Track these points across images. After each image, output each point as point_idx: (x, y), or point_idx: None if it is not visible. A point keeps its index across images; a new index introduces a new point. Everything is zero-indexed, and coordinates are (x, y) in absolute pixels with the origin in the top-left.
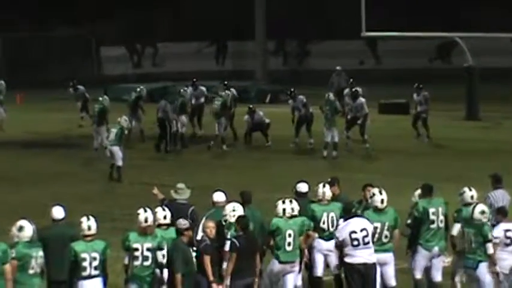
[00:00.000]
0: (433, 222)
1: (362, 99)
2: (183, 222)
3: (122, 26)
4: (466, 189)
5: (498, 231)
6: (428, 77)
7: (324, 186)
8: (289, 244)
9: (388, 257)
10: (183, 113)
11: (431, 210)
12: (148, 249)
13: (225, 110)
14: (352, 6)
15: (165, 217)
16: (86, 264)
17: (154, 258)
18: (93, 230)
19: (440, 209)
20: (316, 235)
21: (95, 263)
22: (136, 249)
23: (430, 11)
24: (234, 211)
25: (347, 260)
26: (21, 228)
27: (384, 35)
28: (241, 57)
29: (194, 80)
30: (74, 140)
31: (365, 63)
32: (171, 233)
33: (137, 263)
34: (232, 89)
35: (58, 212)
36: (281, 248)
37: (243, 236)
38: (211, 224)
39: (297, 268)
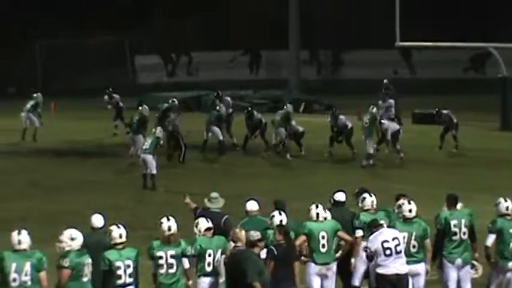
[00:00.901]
0: (455, 234)
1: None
2: (255, 234)
3: (156, 35)
4: (501, 199)
5: None
6: (462, 87)
7: (370, 196)
8: (323, 246)
9: (419, 267)
10: (219, 125)
11: (453, 222)
12: (172, 257)
13: (286, 121)
14: (386, 15)
15: (208, 228)
16: (120, 272)
17: (180, 266)
18: (124, 238)
19: (463, 221)
20: (349, 237)
21: (129, 271)
22: (161, 257)
23: (465, 21)
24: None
25: (379, 270)
26: (73, 238)
27: (418, 45)
28: (275, 67)
29: (218, 92)
30: (108, 148)
31: (399, 73)
32: (218, 240)
33: (162, 271)
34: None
35: (98, 220)
36: (315, 251)
37: (282, 244)
38: (243, 232)
39: (333, 270)
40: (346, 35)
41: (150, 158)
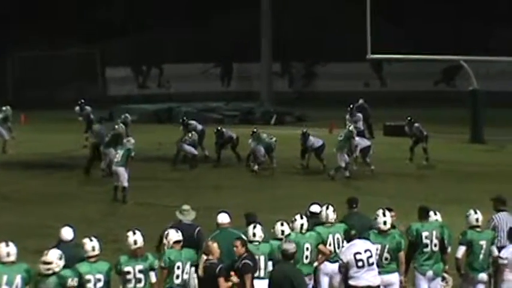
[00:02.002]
0: (426, 245)
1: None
2: (291, 246)
3: (127, 47)
4: (471, 211)
5: (507, 253)
6: (433, 100)
7: (327, 208)
8: (306, 257)
9: (393, 277)
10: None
11: (425, 233)
12: (140, 271)
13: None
14: (357, 28)
15: (178, 241)
16: (90, 285)
17: (148, 280)
18: (97, 251)
19: (434, 232)
20: (328, 251)
21: (100, 285)
22: (128, 272)
23: (436, 34)
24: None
25: (351, 282)
26: (61, 257)
27: (389, 57)
28: (246, 79)
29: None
30: (79, 160)
31: (370, 85)
32: (189, 253)
33: (130, 285)
34: None
35: (67, 233)
36: (299, 262)
37: (247, 256)
38: (215, 245)
39: (312, 282)
40: (317, 48)
41: (122, 171)
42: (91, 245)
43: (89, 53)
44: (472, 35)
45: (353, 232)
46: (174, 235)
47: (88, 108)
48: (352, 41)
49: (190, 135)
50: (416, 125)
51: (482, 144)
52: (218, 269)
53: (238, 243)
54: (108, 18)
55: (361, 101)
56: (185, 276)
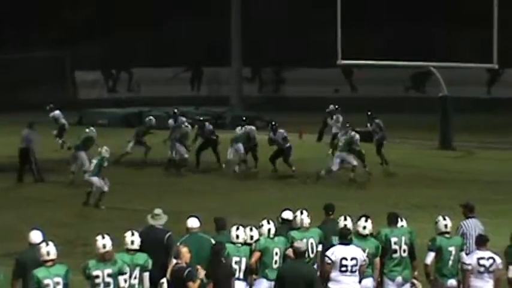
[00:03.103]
0: (395, 251)
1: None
2: (301, 245)
3: (97, 51)
4: (440, 218)
5: (470, 259)
6: (403, 106)
7: (301, 213)
8: (276, 262)
9: (368, 282)
10: (182, 143)
11: (394, 239)
12: (109, 275)
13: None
14: (328, 34)
15: (132, 242)
16: None
17: (116, 284)
18: (53, 255)
19: (403, 238)
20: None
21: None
22: (97, 277)
23: (406, 40)
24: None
25: (331, 285)
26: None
27: (360, 63)
28: (216, 83)
29: (175, 111)
30: (46, 164)
31: (340, 91)
32: (140, 258)
33: None
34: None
35: (36, 236)
36: (269, 267)
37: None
38: (185, 250)
39: None
40: (287, 53)
41: (95, 180)
42: (46, 249)
43: (58, 56)
44: (441, 41)
45: (349, 237)
46: (128, 240)
47: (57, 112)
48: (322, 46)
49: (185, 124)
50: (376, 120)
51: (452, 151)
52: (186, 272)
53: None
54: (78, 21)
55: (331, 107)
56: (133, 281)
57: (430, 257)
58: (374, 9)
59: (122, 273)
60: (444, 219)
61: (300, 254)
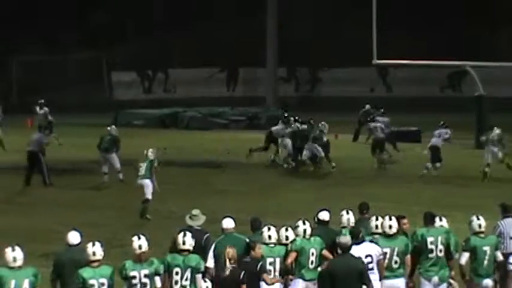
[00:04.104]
0: (431, 251)
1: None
2: (347, 240)
3: (133, 51)
4: (474, 218)
5: None
6: (439, 106)
7: (347, 213)
8: (312, 262)
9: (399, 282)
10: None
11: (430, 239)
12: (146, 276)
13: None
14: (363, 33)
15: (184, 243)
16: None
17: (153, 285)
18: (99, 256)
19: (440, 238)
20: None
21: None
22: (134, 277)
23: (442, 39)
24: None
25: None
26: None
27: (395, 63)
28: (252, 84)
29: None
30: (83, 165)
31: (376, 90)
32: (192, 259)
33: None
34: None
35: (74, 237)
36: (305, 267)
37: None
38: (232, 250)
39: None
40: (323, 53)
41: (148, 183)
42: (92, 249)
43: (95, 57)
44: (477, 40)
45: (361, 235)
46: (180, 241)
47: (46, 109)
48: (358, 46)
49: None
50: (386, 119)
51: None
52: (259, 266)
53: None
54: (114, 22)
55: (367, 107)
56: (184, 283)
57: (465, 257)
58: (409, 9)
59: (158, 273)
60: (478, 218)
61: (346, 248)
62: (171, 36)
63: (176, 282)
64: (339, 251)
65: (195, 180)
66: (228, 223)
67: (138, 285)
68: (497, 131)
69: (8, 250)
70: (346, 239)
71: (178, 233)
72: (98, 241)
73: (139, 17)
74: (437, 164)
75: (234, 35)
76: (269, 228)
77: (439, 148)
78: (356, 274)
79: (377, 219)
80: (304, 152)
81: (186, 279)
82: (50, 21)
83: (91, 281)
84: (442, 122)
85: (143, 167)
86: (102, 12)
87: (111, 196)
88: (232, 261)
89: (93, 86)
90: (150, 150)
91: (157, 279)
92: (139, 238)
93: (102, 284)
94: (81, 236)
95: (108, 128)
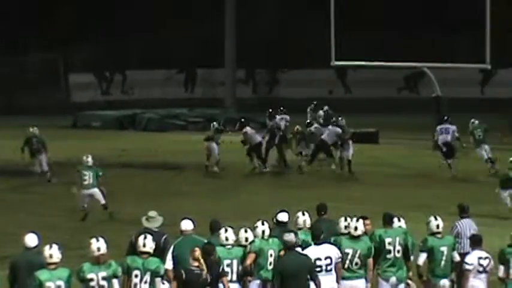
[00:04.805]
0: (389, 251)
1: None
2: (290, 237)
3: (91, 53)
4: (432, 218)
5: (472, 259)
6: (396, 107)
7: (303, 214)
8: (270, 263)
9: (360, 283)
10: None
11: (388, 240)
12: (103, 278)
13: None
14: (321, 35)
15: (144, 245)
16: None
17: (111, 287)
18: (56, 258)
19: (398, 239)
20: None
21: None
22: (92, 280)
23: (398, 40)
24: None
25: None
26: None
27: (353, 64)
28: (210, 85)
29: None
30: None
31: (334, 92)
32: (151, 263)
33: None
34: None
35: (31, 240)
36: (264, 268)
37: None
38: (198, 251)
39: None
40: (281, 54)
41: (96, 191)
42: (49, 252)
43: (51, 58)
44: (434, 42)
45: (322, 236)
46: (141, 243)
47: None
48: (316, 48)
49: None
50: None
51: None
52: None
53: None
54: (71, 23)
55: (325, 108)
56: (143, 286)
57: (422, 258)
58: (367, 10)
59: (116, 276)
60: (436, 219)
61: (292, 246)
62: (128, 37)
63: (135, 285)
64: (286, 249)
65: (153, 182)
66: (186, 225)
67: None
68: (476, 124)
69: None
70: (290, 236)
71: (138, 236)
72: (56, 243)
73: (96, 17)
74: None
75: (192, 36)
76: (226, 230)
77: (452, 144)
78: (305, 270)
79: (345, 220)
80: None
81: (145, 282)
82: (8, 19)
83: (48, 284)
84: (446, 117)
85: (88, 176)
86: (60, 12)
87: (67, 198)
88: (196, 263)
89: (50, 87)
90: (90, 156)
91: (116, 281)
92: (97, 240)
93: (59, 287)
94: (39, 238)
95: (31, 129)
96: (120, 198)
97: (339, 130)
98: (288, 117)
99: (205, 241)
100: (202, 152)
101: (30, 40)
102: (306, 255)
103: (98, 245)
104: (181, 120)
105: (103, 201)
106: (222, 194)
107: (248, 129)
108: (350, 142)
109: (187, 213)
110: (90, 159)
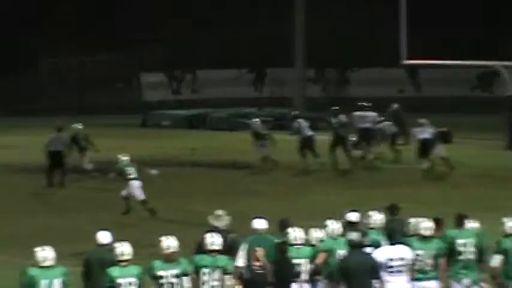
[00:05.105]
0: (461, 253)
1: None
2: (357, 236)
3: (162, 53)
4: (506, 219)
5: None
6: (469, 106)
7: (376, 213)
8: None
9: (433, 284)
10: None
11: (460, 241)
12: (174, 276)
13: None
14: (392, 33)
15: (212, 243)
16: None
17: (181, 285)
18: (127, 256)
19: (471, 240)
20: None
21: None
22: (162, 277)
23: (472, 39)
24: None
25: (376, 285)
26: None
27: (424, 63)
28: (279, 84)
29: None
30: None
31: (405, 91)
32: (220, 260)
33: None
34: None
35: (104, 237)
36: (333, 267)
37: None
38: (260, 251)
39: None
40: (351, 53)
41: (140, 184)
42: (121, 249)
43: (124, 58)
44: (509, 40)
45: (396, 236)
46: (206, 242)
47: None
48: (387, 46)
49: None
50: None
51: None
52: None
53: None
54: (140, 24)
55: (395, 106)
56: (212, 283)
57: (497, 260)
58: (439, 8)
59: (186, 274)
60: (511, 221)
61: (355, 244)
62: (199, 36)
63: (205, 283)
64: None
65: (222, 181)
66: (259, 224)
67: (166, 285)
68: None
69: (38, 250)
70: (355, 235)
71: (206, 234)
72: (126, 241)
73: (166, 17)
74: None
75: (262, 35)
76: (295, 229)
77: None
78: (367, 270)
79: (417, 220)
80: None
81: (215, 280)
82: (77, 22)
83: (119, 280)
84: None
85: (131, 170)
86: (129, 14)
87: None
88: (259, 263)
89: (123, 87)
90: (124, 155)
91: (186, 279)
92: (168, 238)
93: (130, 283)
94: (111, 236)
95: (76, 126)
96: (189, 197)
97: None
98: (373, 114)
99: (277, 241)
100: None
101: (102, 40)
102: (369, 254)
103: (169, 243)
104: (250, 119)
105: (143, 197)
106: (291, 193)
107: (300, 121)
108: (440, 141)
109: (256, 213)
110: (127, 157)
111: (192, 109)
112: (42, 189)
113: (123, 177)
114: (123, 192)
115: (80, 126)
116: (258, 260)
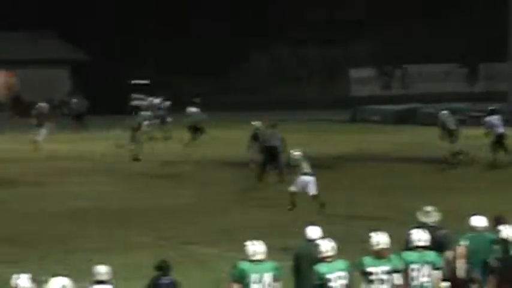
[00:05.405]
0: None
1: None
2: None
3: (371, 48)
4: None
5: None
6: None
7: None
8: None
9: None
10: None
11: None
12: (384, 272)
13: None
14: None
15: (419, 239)
16: (332, 284)
17: (391, 282)
18: (331, 252)
19: None
20: None
21: (341, 281)
22: (372, 273)
23: None
24: None
25: None
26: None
27: None
28: (493, 79)
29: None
30: (328, 161)
31: None
32: (428, 255)
33: (373, 286)
34: None
35: (313, 232)
36: None
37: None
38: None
39: None
40: None
41: (314, 180)
42: (324, 246)
43: (333, 53)
44: None
45: None
46: (413, 238)
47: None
48: None
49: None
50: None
51: None
52: None
53: None
54: (350, 20)
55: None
56: (422, 279)
57: None
58: None
59: (397, 270)
60: None
61: None
62: (407, 31)
63: (413, 279)
64: None
65: (430, 176)
66: (477, 221)
67: (376, 282)
68: None
69: (249, 244)
70: None
71: (412, 230)
72: (330, 237)
73: (375, 13)
74: None
75: (475, 31)
76: (506, 227)
77: None
78: None
79: None
80: None
81: (424, 276)
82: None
83: (328, 276)
84: None
85: (306, 165)
86: (339, 11)
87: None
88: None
89: (331, 82)
90: (297, 151)
91: (397, 276)
92: (377, 234)
93: (339, 277)
94: (321, 231)
95: (255, 124)
96: (398, 193)
97: None
98: None
99: (494, 238)
100: (479, 148)
101: (313, 37)
102: None
103: (378, 239)
104: (461, 115)
105: (315, 192)
106: (502, 189)
107: (493, 117)
108: None
109: (468, 210)
110: (300, 152)
111: (402, 104)
112: (253, 183)
113: (296, 173)
114: (292, 188)
115: (258, 123)
116: (461, 257)
